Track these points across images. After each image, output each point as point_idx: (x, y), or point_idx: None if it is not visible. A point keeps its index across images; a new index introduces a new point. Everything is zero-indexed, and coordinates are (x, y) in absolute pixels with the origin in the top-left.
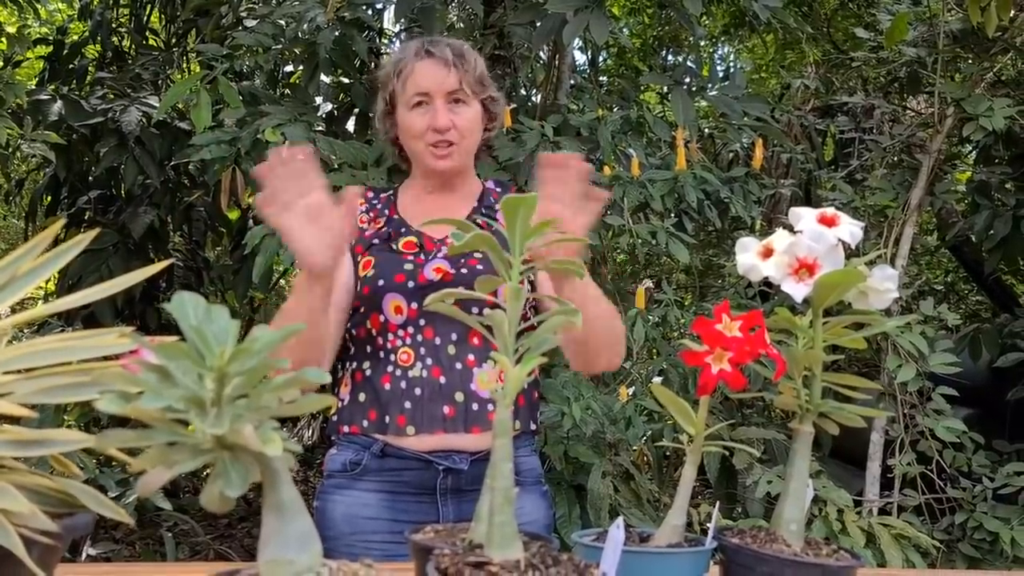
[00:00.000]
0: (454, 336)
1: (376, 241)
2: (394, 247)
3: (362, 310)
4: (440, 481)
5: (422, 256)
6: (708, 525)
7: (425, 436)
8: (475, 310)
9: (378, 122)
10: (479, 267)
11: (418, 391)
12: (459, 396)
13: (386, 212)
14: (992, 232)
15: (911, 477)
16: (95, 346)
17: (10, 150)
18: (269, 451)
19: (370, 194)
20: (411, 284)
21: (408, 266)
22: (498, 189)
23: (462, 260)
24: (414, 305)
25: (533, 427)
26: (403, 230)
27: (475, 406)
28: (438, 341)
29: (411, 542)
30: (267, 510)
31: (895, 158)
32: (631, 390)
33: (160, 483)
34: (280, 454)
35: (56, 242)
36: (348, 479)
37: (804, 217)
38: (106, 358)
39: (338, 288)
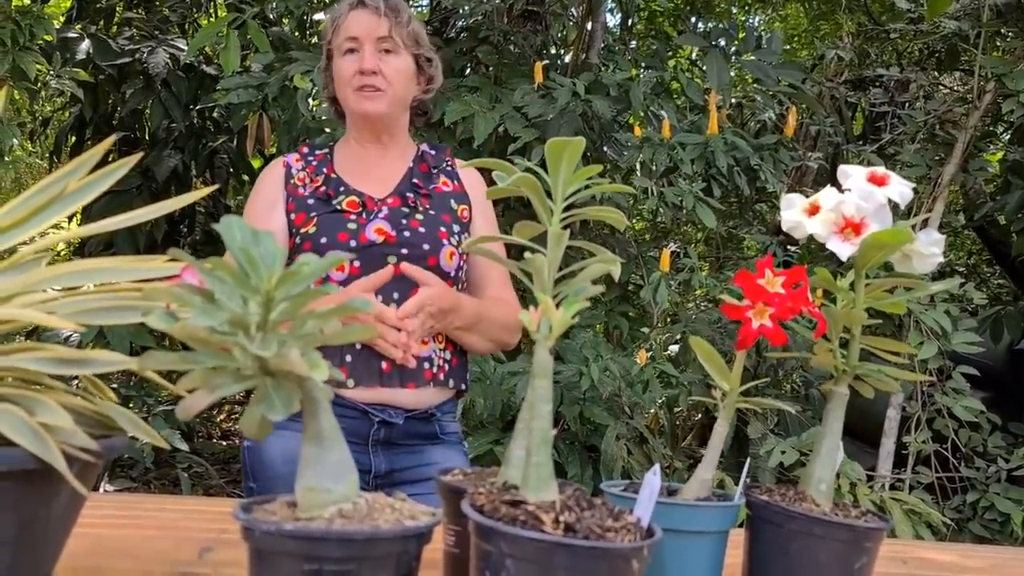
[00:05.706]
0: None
1: (312, 201)
2: (337, 206)
3: None
4: (373, 432)
5: (364, 216)
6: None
7: (363, 389)
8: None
9: (319, 79)
10: (421, 229)
11: (357, 345)
12: None
13: (324, 171)
14: (1023, 213)
15: (925, 455)
16: (142, 268)
17: (38, 86)
18: (316, 376)
19: (305, 150)
20: (353, 243)
21: (351, 225)
22: (432, 152)
23: (404, 221)
24: (356, 263)
25: (463, 387)
26: (342, 189)
27: (411, 363)
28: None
29: (440, 483)
30: (306, 439)
31: (928, 133)
32: (650, 354)
33: (201, 407)
34: (325, 380)
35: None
36: (283, 420)
37: (853, 175)
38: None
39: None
